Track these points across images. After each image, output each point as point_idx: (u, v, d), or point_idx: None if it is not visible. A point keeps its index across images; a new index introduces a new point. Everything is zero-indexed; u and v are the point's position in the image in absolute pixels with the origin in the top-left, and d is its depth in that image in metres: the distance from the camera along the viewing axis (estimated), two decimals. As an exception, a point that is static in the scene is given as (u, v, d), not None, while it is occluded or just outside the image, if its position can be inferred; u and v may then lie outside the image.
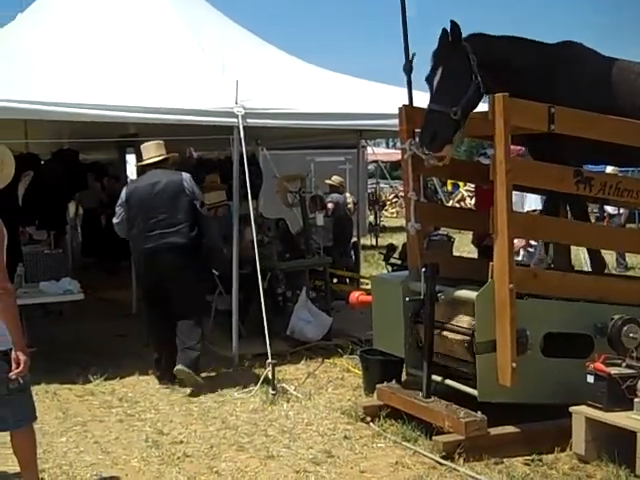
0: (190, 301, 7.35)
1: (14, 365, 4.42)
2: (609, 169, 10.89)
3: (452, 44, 5.63)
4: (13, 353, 4.43)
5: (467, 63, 5.57)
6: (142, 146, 7.83)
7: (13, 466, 5.10)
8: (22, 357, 4.44)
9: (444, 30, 5.65)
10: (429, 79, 5.74)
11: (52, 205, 11.48)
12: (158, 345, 7.71)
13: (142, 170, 8.08)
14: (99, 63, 8.52)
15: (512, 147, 5.60)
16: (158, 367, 7.64)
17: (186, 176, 7.55)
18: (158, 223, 7.32)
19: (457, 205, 26.44)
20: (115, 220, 7.67)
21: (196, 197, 7.52)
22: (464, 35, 5.67)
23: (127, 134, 9.71)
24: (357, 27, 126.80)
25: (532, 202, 9.64)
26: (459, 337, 5.75)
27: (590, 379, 5.35)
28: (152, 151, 7.66)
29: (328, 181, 14.65)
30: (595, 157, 6.57)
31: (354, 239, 12.75)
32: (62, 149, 12.45)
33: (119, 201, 7.62)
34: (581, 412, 5.34)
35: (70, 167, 12.19)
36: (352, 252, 12.69)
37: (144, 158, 7.72)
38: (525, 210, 7.74)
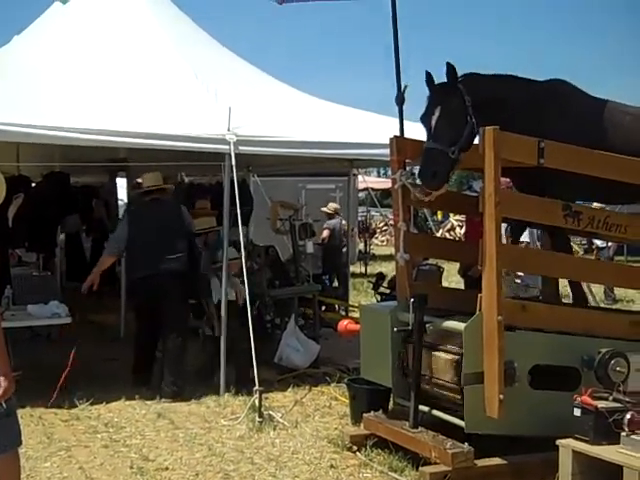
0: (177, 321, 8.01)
1: None
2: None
3: (448, 85, 5.77)
4: None
5: (462, 104, 5.71)
6: (143, 176, 8.51)
7: (-4, 491, 5.05)
8: (3, 383, 4.40)
9: (428, 73, 5.83)
10: (424, 118, 5.84)
11: (42, 227, 11.46)
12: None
13: (137, 197, 8.68)
14: (92, 88, 8.55)
15: (502, 179, 5.66)
16: (135, 370, 8.29)
17: (184, 208, 8.39)
18: (159, 249, 7.92)
19: (447, 234, 26.54)
20: (115, 235, 8.29)
21: (191, 228, 8.36)
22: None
23: (118, 158, 9.74)
24: (348, 56, 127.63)
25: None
26: (448, 363, 5.75)
27: (577, 412, 5.34)
28: (152, 180, 8.39)
29: (324, 209, 14.70)
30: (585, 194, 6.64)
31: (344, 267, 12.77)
32: (53, 172, 12.43)
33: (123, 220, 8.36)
34: (568, 445, 5.33)
35: (61, 190, 12.16)
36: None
37: (145, 186, 8.39)
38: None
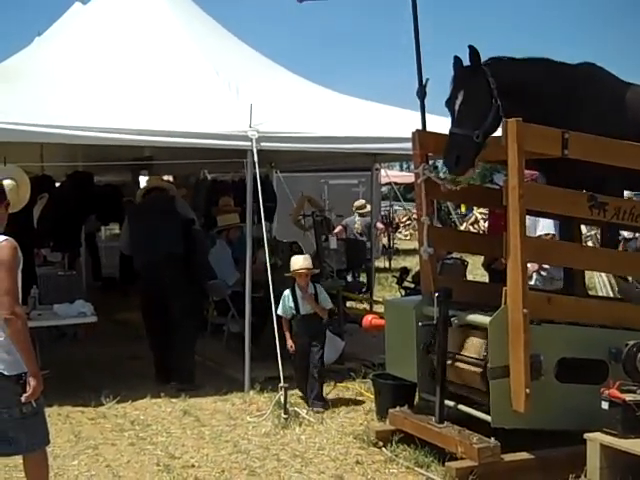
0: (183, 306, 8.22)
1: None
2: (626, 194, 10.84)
3: (471, 68, 5.66)
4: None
5: (487, 87, 5.60)
6: (146, 180, 9.40)
7: (25, 489, 5.09)
8: (32, 382, 4.45)
9: (456, 57, 5.71)
10: (449, 103, 5.76)
11: (66, 227, 11.52)
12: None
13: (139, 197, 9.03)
14: (114, 87, 8.58)
15: (527, 172, 5.60)
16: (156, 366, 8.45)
17: (180, 199, 9.11)
18: (153, 235, 8.29)
19: (471, 227, 26.40)
20: (121, 235, 9.38)
21: (187, 215, 8.89)
22: (484, 59, 5.70)
23: (141, 157, 9.77)
24: (371, 49, 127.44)
25: (545, 226, 9.60)
26: (472, 368, 5.72)
27: (605, 405, 5.30)
28: (151, 182, 9.20)
29: (357, 203, 14.67)
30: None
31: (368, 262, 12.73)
32: (77, 171, 12.50)
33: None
34: (596, 439, 5.29)
35: (84, 189, 12.22)
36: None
37: (145, 188, 9.06)
38: (538, 234, 7.70)
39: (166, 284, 8.09)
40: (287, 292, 7.53)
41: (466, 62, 5.71)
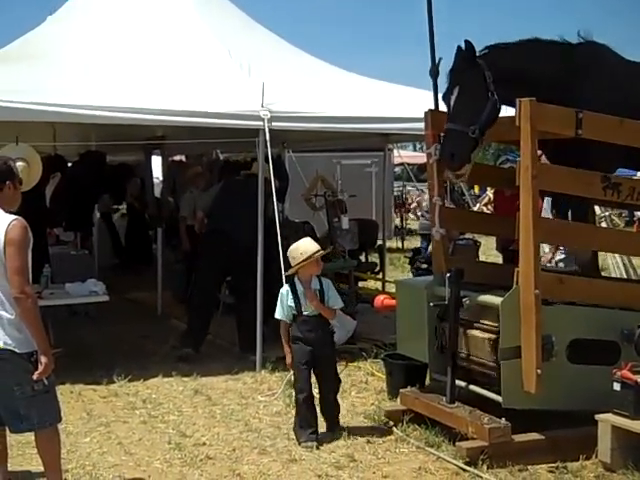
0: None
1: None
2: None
3: (467, 62, 5.63)
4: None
5: (482, 81, 5.57)
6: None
7: (37, 466, 5.13)
8: (43, 360, 4.48)
9: (459, 48, 5.68)
10: (445, 99, 5.76)
11: (79, 206, 11.55)
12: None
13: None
14: (126, 67, 8.57)
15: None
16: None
17: None
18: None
19: (484, 208, 26.29)
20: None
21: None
22: (481, 46, 5.66)
23: (154, 136, 9.76)
24: (382, 28, 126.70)
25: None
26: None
27: (617, 387, 5.29)
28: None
29: None
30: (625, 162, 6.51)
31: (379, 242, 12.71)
32: (89, 151, 12.52)
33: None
34: (607, 420, 5.29)
35: (97, 169, 12.23)
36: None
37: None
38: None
39: (235, 259, 8.40)
40: (285, 289, 6.14)
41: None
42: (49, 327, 6.50)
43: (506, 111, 5.73)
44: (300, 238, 7.72)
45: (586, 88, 5.85)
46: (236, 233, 8.33)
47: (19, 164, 5.08)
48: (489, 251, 13.25)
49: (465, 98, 5.62)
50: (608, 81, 5.99)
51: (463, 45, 5.61)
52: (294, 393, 6.14)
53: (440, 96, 6.44)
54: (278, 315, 6.15)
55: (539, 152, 6.45)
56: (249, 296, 8.16)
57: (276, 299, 6.20)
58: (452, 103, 5.69)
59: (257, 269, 7.96)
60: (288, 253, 6.16)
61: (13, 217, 4.54)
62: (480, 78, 5.57)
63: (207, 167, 13.92)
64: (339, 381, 6.35)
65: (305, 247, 6.09)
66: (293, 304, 6.04)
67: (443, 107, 6.41)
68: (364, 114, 8.41)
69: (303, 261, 5.99)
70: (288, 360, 6.16)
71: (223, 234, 8.52)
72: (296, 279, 6.10)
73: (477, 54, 5.65)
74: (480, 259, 10.36)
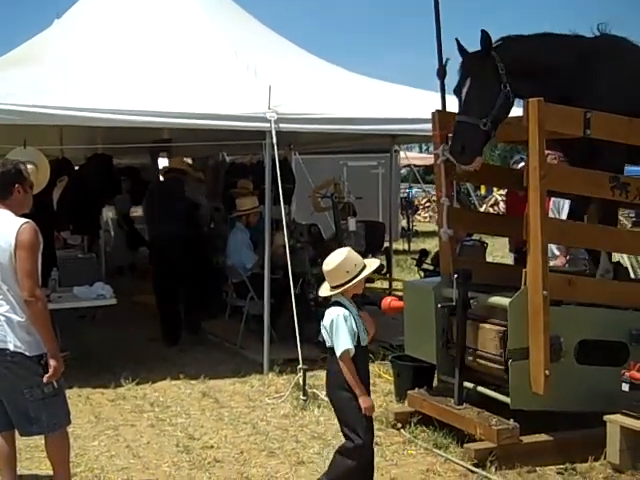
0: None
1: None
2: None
3: (480, 54, 5.54)
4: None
5: (495, 73, 5.49)
6: (170, 160, 10.53)
7: (46, 470, 5.14)
8: (52, 363, 4.48)
9: (457, 40, 5.63)
10: (457, 90, 5.69)
11: (86, 210, 11.56)
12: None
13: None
14: (133, 69, 8.58)
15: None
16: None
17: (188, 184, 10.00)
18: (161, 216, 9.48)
19: (491, 209, 26.28)
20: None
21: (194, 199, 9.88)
22: (495, 38, 5.60)
23: (160, 139, 9.78)
24: (389, 29, 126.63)
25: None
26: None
27: (625, 387, 5.27)
28: (174, 163, 10.13)
29: None
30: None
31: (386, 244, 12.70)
32: (96, 154, 12.52)
33: None
34: (616, 421, 5.27)
35: (104, 172, 12.24)
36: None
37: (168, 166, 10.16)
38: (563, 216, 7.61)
39: (172, 257, 9.11)
40: (345, 310, 4.63)
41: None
42: (57, 331, 6.50)
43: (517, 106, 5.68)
44: (307, 241, 7.70)
45: (602, 82, 5.73)
46: (161, 230, 9.35)
47: (29, 167, 5.06)
48: (496, 252, 13.23)
49: (477, 90, 5.52)
50: (625, 74, 5.87)
51: (480, 35, 5.47)
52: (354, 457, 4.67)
53: (447, 96, 6.44)
54: (347, 344, 4.54)
55: (559, 153, 6.41)
56: (188, 281, 9.22)
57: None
58: (463, 95, 5.59)
59: (187, 257, 9.03)
60: (332, 264, 4.69)
61: (24, 220, 4.54)
62: (492, 70, 5.48)
63: (212, 170, 13.96)
64: None
65: (357, 257, 4.78)
66: (357, 330, 4.62)
67: (450, 108, 6.41)
68: (371, 115, 8.40)
69: (356, 276, 4.67)
70: (369, 403, 4.58)
71: (155, 237, 9.79)
72: (347, 301, 4.72)
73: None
74: (487, 260, 10.33)
